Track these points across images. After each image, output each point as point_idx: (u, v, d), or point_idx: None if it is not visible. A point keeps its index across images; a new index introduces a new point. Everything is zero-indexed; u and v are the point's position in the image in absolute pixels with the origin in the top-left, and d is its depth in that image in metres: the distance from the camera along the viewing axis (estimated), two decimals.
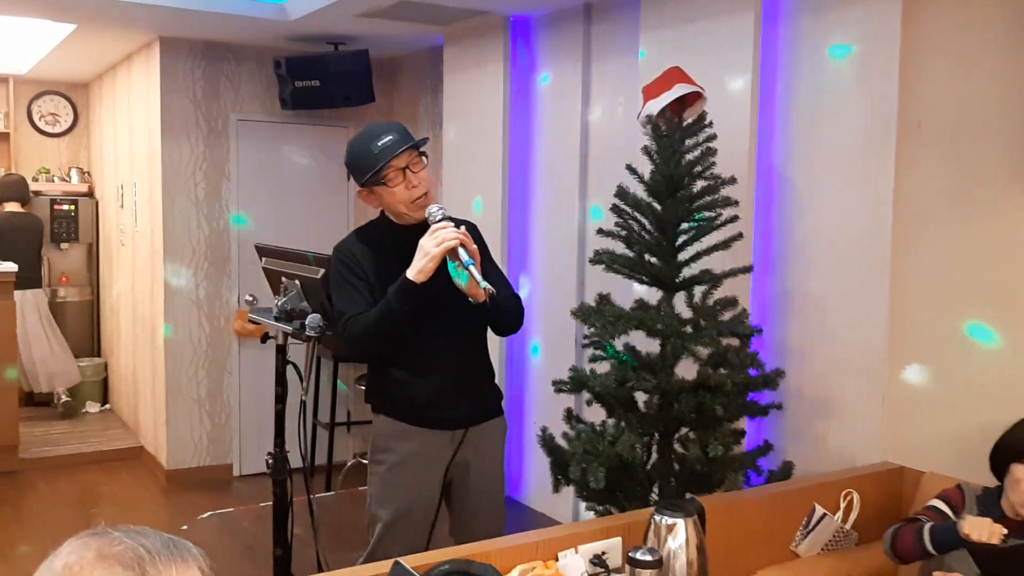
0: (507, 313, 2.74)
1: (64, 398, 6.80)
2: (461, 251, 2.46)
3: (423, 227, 2.57)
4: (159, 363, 5.77)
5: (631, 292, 3.94)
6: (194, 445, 5.75)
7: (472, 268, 2.43)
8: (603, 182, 4.32)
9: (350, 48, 5.52)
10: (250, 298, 5.93)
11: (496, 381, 2.91)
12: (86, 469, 5.83)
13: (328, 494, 5.41)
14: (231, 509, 4.89)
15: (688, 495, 2.77)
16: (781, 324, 3.43)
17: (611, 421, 3.23)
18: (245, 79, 5.79)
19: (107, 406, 7.16)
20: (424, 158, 2.66)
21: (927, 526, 2.45)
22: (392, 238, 2.69)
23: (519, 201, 4.79)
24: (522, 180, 4.76)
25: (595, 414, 3.26)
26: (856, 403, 3.20)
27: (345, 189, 6.17)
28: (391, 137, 2.58)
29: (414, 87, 5.98)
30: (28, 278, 6.47)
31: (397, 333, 2.57)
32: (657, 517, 2.24)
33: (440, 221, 2.52)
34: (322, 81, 5.39)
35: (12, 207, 6.73)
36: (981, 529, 2.30)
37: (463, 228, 2.53)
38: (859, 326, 3.18)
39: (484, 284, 2.41)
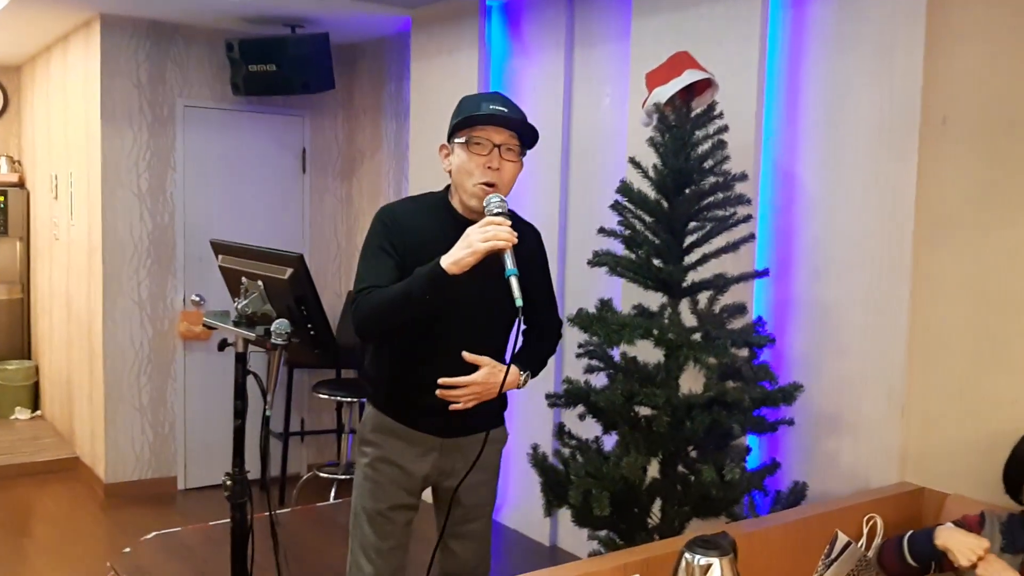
0: (535, 352, 2.54)
1: None
2: (508, 257, 2.16)
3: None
4: (97, 367, 5.34)
5: (614, 295, 3.68)
6: (135, 456, 5.34)
7: (513, 280, 2.14)
8: (586, 178, 4.05)
9: (309, 31, 5.17)
10: (197, 298, 5.56)
11: None
12: (15, 483, 5.38)
13: (284, 510, 5.05)
14: (178, 528, 4.51)
15: (723, 531, 2.49)
16: (787, 333, 3.19)
17: (606, 437, 2.96)
18: (194, 62, 5.39)
19: (38, 412, 6.68)
20: (521, 158, 2.38)
21: (907, 535, 2.31)
22: (445, 219, 2.39)
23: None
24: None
25: (585, 429, 2.98)
26: (871, 418, 2.97)
27: (302, 182, 5.81)
28: (507, 110, 2.32)
29: (376, 75, 5.64)
30: None
31: (407, 319, 2.30)
32: (689, 556, 1.97)
33: (498, 215, 2.21)
34: (278, 65, 5.02)
35: None
36: (959, 546, 2.18)
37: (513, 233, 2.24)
38: (876, 336, 2.95)
39: (519, 302, 2.13)
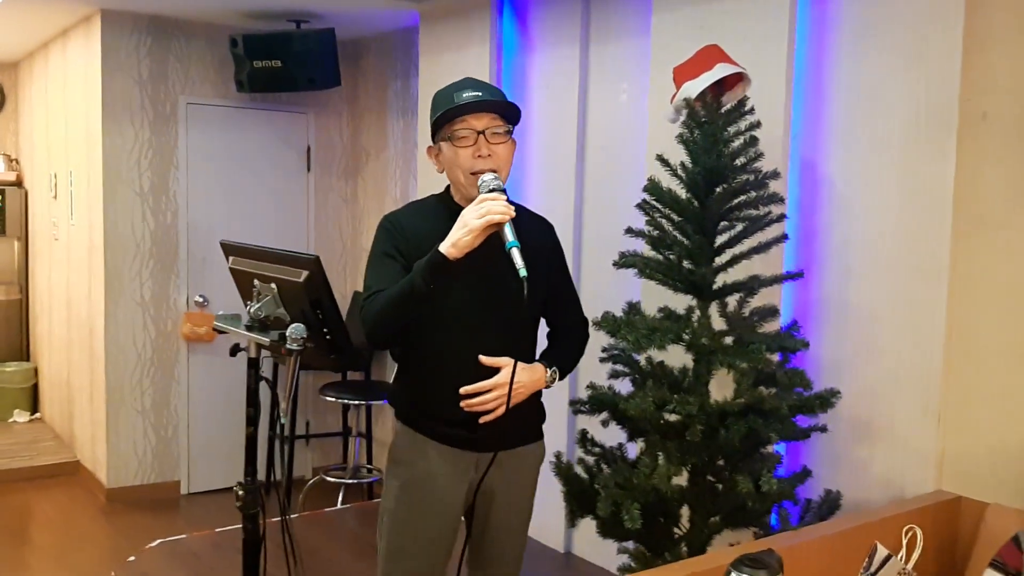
0: (562, 350, 2.44)
1: None
2: (508, 229, 2.08)
3: None
4: (98, 369, 5.23)
5: (632, 296, 3.58)
6: (138, 460, 5.23)
7: (514, 251, 2.06)
8: (602, 177, 3.95)
9: (314, 26, 5.06)
10: (200, 299, 5.45)
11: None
12: (14, 488, 5.27)
13: (292, 516, 4.94)
14: (183, 536, 4.41)
15: (768, 548, 2.39)
16: (817, 335, 3.09)
17: (630, 443, 2.87)
18: (196, 58, 5.28)
19: (37, 415, 6.57)
20: (509, 135, 2.28)
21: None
22: (449, 216, 2.26)
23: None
24: (510, 175, 4.35)
25: (608, 435, 2.88)
26: (906, 424, 2.88)
27: (306, 181, 5.70)
28: (479, 93, 2.23)
29: (383, 72, 5.53)
30: None
31: (413, 314, 2.19)
32: (736, 574, 1.88)
33: (492, 192, 2.13)
34: (283, 61, 4.91)
35: None
36: None
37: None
38: (911, 338, 2.85)
39: (523, 272, 2.04)
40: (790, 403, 2.51)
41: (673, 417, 2.67)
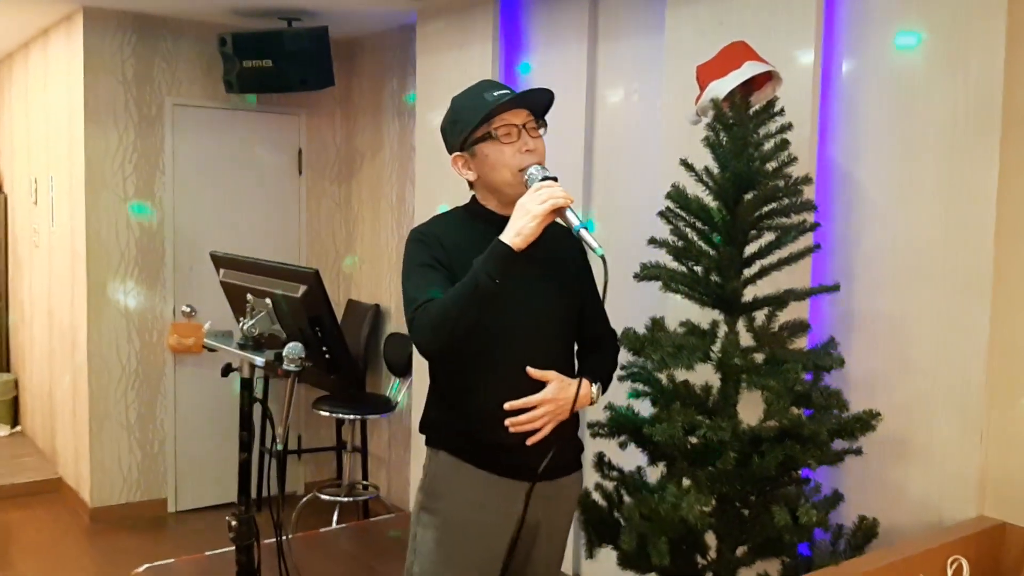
0: (599, 364, 2.32)
1: None
2: (570, 213, 2.00)
3: None
4: (81, 382, 5.01)
5: (646, 308, 3.41)
6: (123, 477, 5.02)
7: (584, 233, 1.98)
8: (611, 182, 3.76)
9: (306, 24, 4.86)
10: (187, 309, 5.23)
11: None
12: None
13: (284, 538, 4.72)
14: (171, 560, 4.19)
15: None
16: (846, 351, 2.90)
17: (647, 467, 2.68)
18: (183, 58, 5.06)
19: (18, 428, 6.33)
20: (544, 129, 2.20)
21: None
22: (484, 226, 2.13)
23: None
24: None
25: (627, 458, 2.70)
26: (945, 444, 2.70)
27: (299, 186, 5.50)
28: (508, 91, 2.14)
29: (378, 71, 5.33)
30: None
31: (478, 315, 2.00)
32: None
33: (545, 180, 2.04)
34: (275, 61, 4.71)
35: None
36: None
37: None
38: (950, 353, 2.68)
39: (600, 251, 1.95)
40: (829, 427, 2.32)
41: (694, 439, 2.49)
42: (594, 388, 2.19)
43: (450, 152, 2.20)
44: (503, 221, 2.07)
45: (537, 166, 2.10)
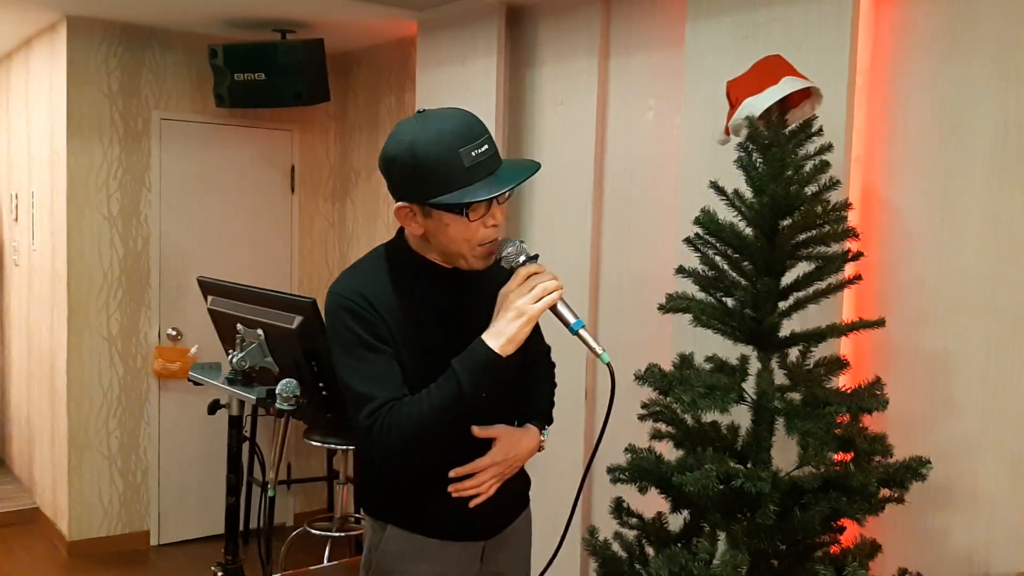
0: (541, 399, 2.17)
1: None
2: (563, 308, 1.77)
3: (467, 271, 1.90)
4: (60, 409, 4.77)
5: (662, 342, 3.20)
6: (103, 509, 4.77)
7: (584, 333, 1.76)
8: (625, 206, 3.56)
9: (301, 37, 4.66)
10: (173, 332, 5.00)
11: None
12: None
13: None
14: None
15: None
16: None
17: (668, 513, 2.47)
18: (172, 70, 4.85)
19: None
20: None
21: None
22: (425, 277, 1.91)
23: (514, 231, 3.99)
24: (517, 204, 3.96)
25: (647, 503, 2.48)
26: (992, 491, 2.50)
27: (291, 203, 5.28)
28: (487, 150, 1.76)
29: (374, 86, 5.14)
30: None
31: (458, 427, 1.83)
32: None
33: (524, 263, 1.79)
34: (268, 74, 4.51)
35: None
36: None
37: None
38: (998, 392, 2.48)
39: (607, 358, 1.73)
40: (879, 477, 2.12)
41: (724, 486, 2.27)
42: (543, 435, 2.06)
43: (396, 199, 1.83)
44: (451, 275, 1.88)
45: (514, 243, 1.82)
